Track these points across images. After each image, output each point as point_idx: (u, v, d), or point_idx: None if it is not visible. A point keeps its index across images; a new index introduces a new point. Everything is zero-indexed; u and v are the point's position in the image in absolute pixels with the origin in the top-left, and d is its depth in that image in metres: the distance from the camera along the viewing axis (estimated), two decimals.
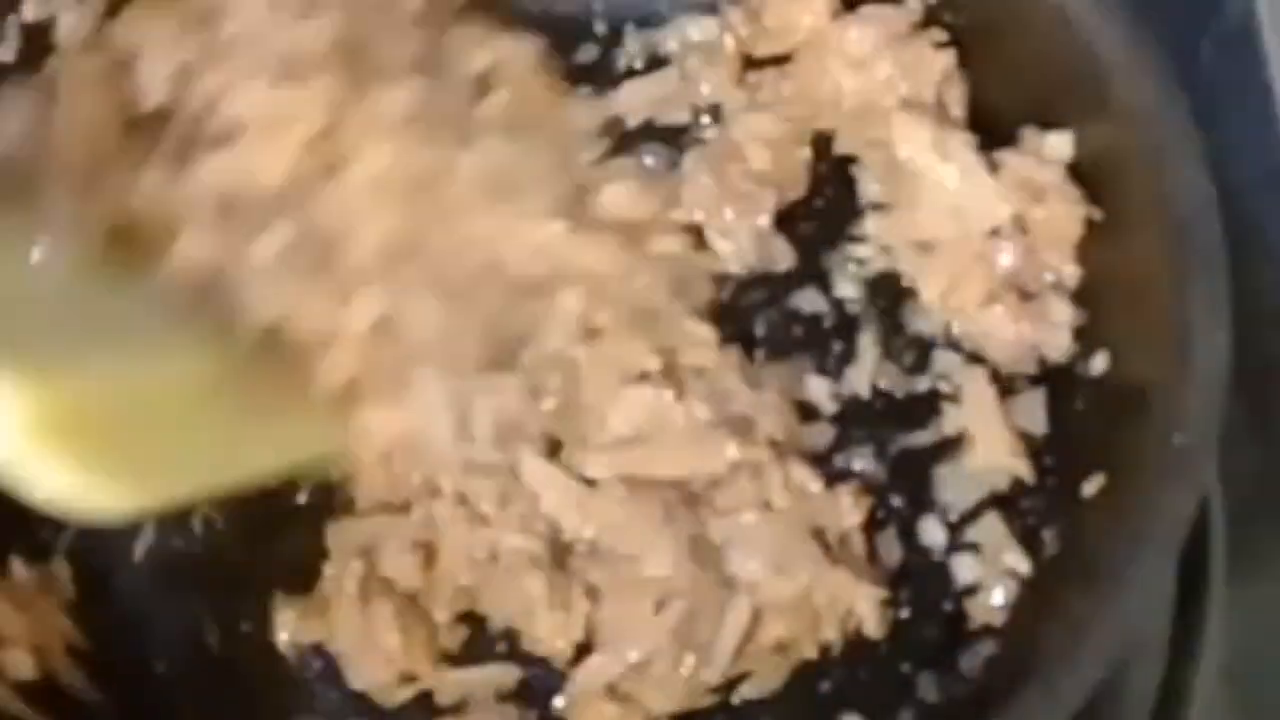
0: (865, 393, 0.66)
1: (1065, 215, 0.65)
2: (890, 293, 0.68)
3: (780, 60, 0.72)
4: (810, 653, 0.62)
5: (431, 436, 0.62)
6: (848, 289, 0.68)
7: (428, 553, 0.63)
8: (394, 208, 0.61)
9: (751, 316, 0.68)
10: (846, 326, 0.68)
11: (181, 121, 0.61)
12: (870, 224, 0.69)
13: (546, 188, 0.65)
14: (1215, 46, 0.77)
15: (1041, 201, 0.65)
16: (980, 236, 0.67)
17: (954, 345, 0.67)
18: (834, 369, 0.67)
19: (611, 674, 0.60)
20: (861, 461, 0.65)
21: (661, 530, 0.61)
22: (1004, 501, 0.64)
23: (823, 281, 0.68)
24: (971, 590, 0.63)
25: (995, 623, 0.62)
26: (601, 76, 0.72)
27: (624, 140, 0.70)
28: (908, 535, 0.64)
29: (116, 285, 0.58)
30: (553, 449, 0.63)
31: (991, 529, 0.64)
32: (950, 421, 0.66)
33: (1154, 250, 0.60)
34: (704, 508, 0.62)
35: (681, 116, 0.72)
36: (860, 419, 0.66)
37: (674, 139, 0.71)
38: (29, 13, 0.65)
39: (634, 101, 0.72)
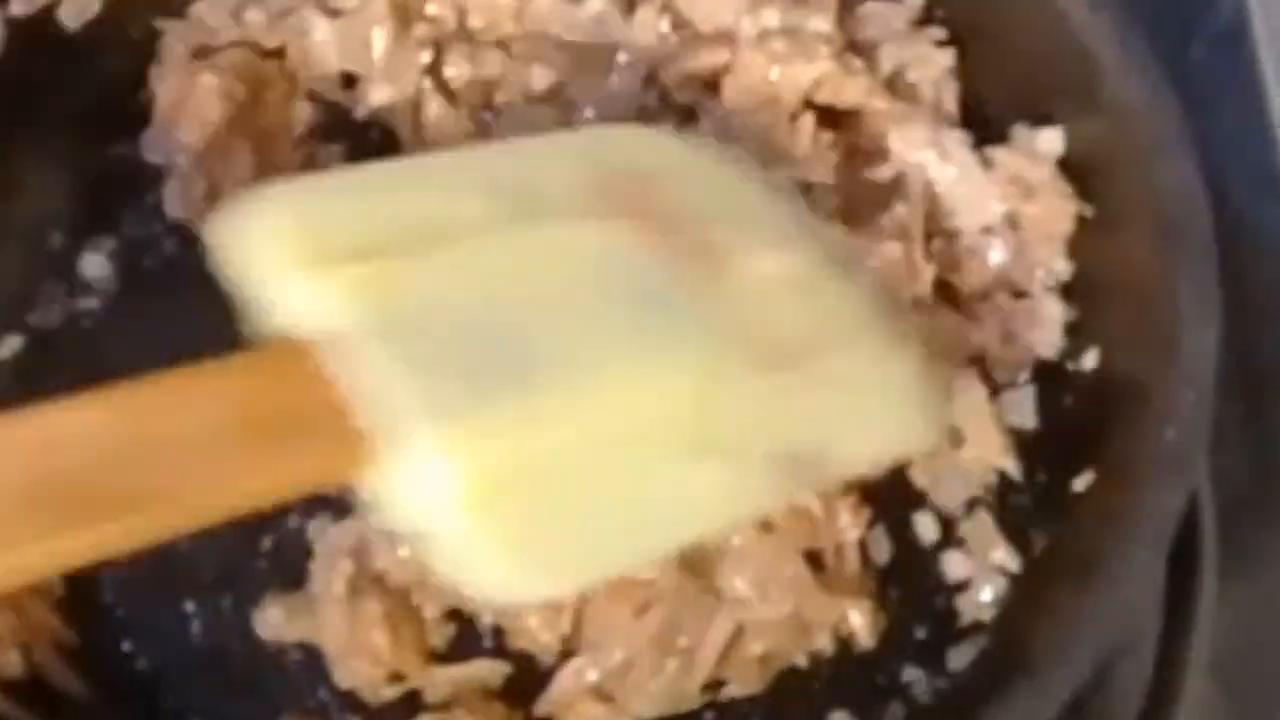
0: None
1: (1056, 212, 0.65)
2: None
3: None
4: (800, 661, 0.62)
5: None
6: None
7: None
8: None
9: None
10: None
11: None
12: None
13: None
14: (1207, 44, 0.77)
15: (1033, 198, 0.65)
16: (972, 233, 0.67)
17: None
18: None
19: (592, 676, 0.60)
20: None
21: None
22: (994, 498, 0.64)
23: None
24: (961, 587, 0.63)
25: (985, 619, 0.62)
26: None
27: None
28: (897, 532, 0.64)
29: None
30: None
31: (981, 525, 0.64)
32: None
33: (1145, 247, 0.60)
34: None
35: None
36: None
37: None
38: (16, 8, 0.64)
39: None
